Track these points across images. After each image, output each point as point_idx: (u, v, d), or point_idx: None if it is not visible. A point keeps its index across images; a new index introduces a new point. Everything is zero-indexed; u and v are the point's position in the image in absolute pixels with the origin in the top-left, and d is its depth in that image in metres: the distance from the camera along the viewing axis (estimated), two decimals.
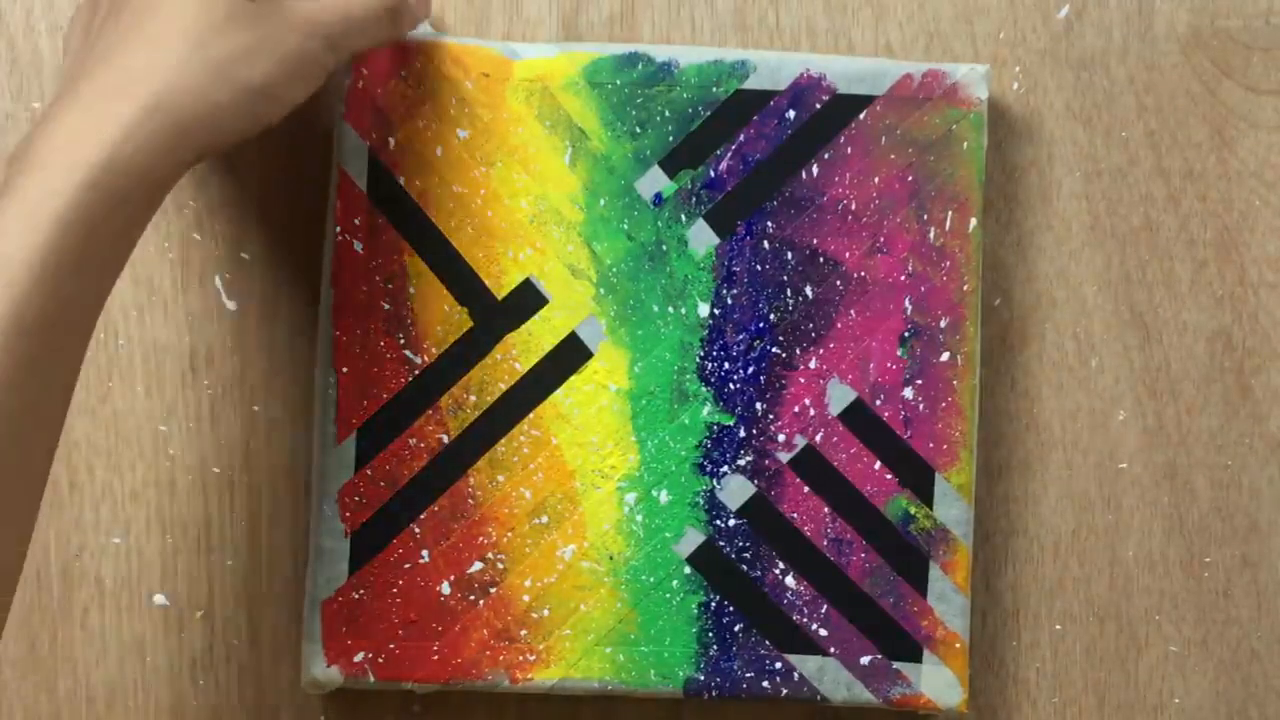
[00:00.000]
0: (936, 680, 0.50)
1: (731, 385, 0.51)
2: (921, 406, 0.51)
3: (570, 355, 0.51)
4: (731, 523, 0.51)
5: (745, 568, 0.50)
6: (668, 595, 0.50)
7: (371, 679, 0.50)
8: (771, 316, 0.51)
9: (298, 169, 0.53)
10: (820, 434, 0.51)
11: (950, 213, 0.51)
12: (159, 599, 0.52)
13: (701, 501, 0.51)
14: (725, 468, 0.51)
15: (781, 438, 0.51)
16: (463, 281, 0.51)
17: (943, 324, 0.51)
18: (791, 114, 0.51)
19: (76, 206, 0.39)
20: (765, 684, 0.50)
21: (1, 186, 0.39)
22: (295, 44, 0.44)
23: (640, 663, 0.50)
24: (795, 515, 0.51)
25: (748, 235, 0.51)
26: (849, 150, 0.51)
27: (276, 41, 0.44)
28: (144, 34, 0.42)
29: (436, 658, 0.50)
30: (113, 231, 0.40)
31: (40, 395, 0.39)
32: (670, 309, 0.51)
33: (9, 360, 0.38)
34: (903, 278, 0.51)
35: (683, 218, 0.51)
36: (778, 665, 0.50)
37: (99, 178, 0.39)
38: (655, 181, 0.51)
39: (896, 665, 0.50)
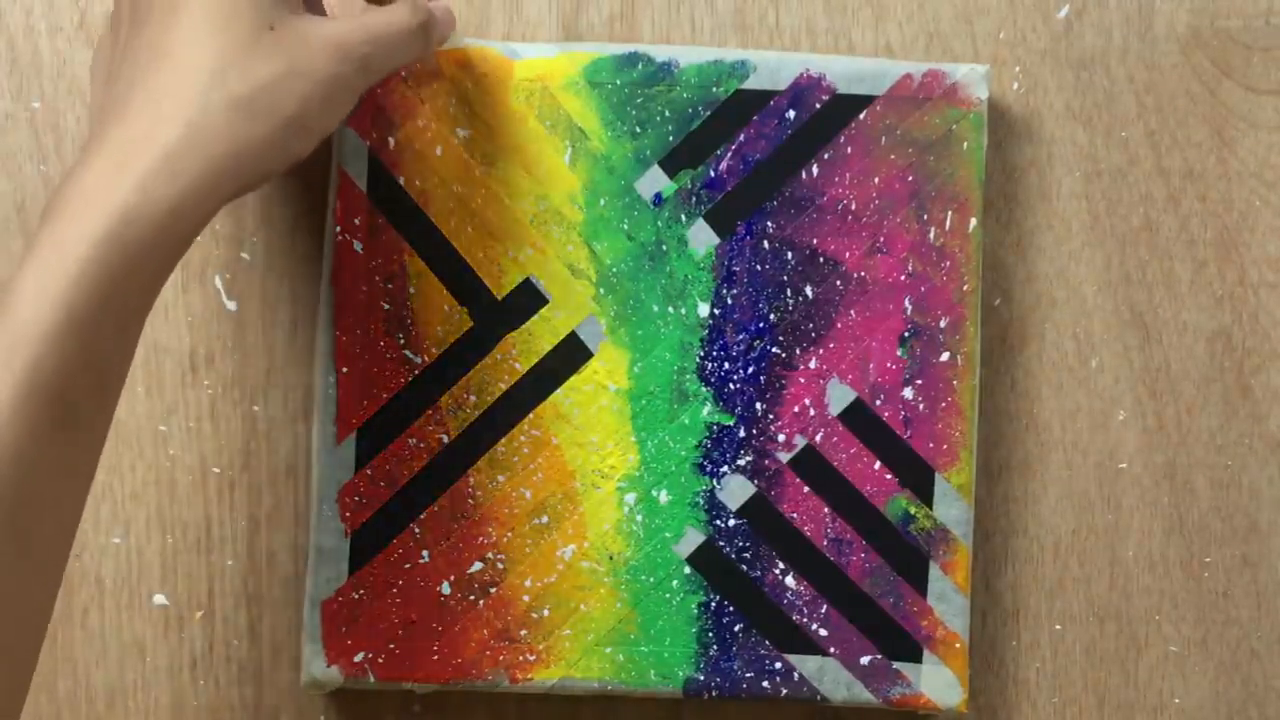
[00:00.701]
0: (936, 680, 0.50)
1: (731, 385, 0.51)
2: (921, 406, 0.51)
3: (570, 355, 0.51)
4: (731, 523, 0.51)
5: (745, 568, 0.50)
6: (668, 595, 0.50)
7: (371, 679, 0.50)
8: (771, 316, 0.51)
9: (298, 169, 0.53)
10: (820, 434, 0.51)
11: (950, 213, 0.51)
12: (159, 599, 0.52)
13: (701, 501, 0.51)
14: (725, 468, 0.51)
15: (781, 438, 0.51)
16: (463, 281, 0.51)
17: (943, 324, 0.51)
18: (791, 114, 0.51)
19: (95, 262, 0.37)
20: (765, 684, 0.50)
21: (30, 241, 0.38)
22: (324, 70, 0.42)
23: (640, 663, 0.50)
24: (795, 515, 0.51)
25: (748, 235, 0.51)
26: (849, 150, 0.51)
27: (304, 69, 0.41)
28: (164, 71, 0.40)
29: (436, 658, 0.50)
30: (135, 285, 0.38)
31: (61, 463, 0.37)
32: (670, 309, 0.51)
33: (26, 426, 0.36)
34: (903, 278, 0.51)
35: (683, 217, 0.51)
36: (778, 665, 0.50)
37: (118, 231, 0.37)
38: (655, 181, 0.51)
39: (896, 665, 0.50)
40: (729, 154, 0.51)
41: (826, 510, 0.51)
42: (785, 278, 0.51)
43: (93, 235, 0.37)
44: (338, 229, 0.50)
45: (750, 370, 0.51)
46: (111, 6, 0.45)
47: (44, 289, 0.36)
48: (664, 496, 0.51)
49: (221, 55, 0.40)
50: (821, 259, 0.51)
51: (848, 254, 0.51)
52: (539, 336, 0.51)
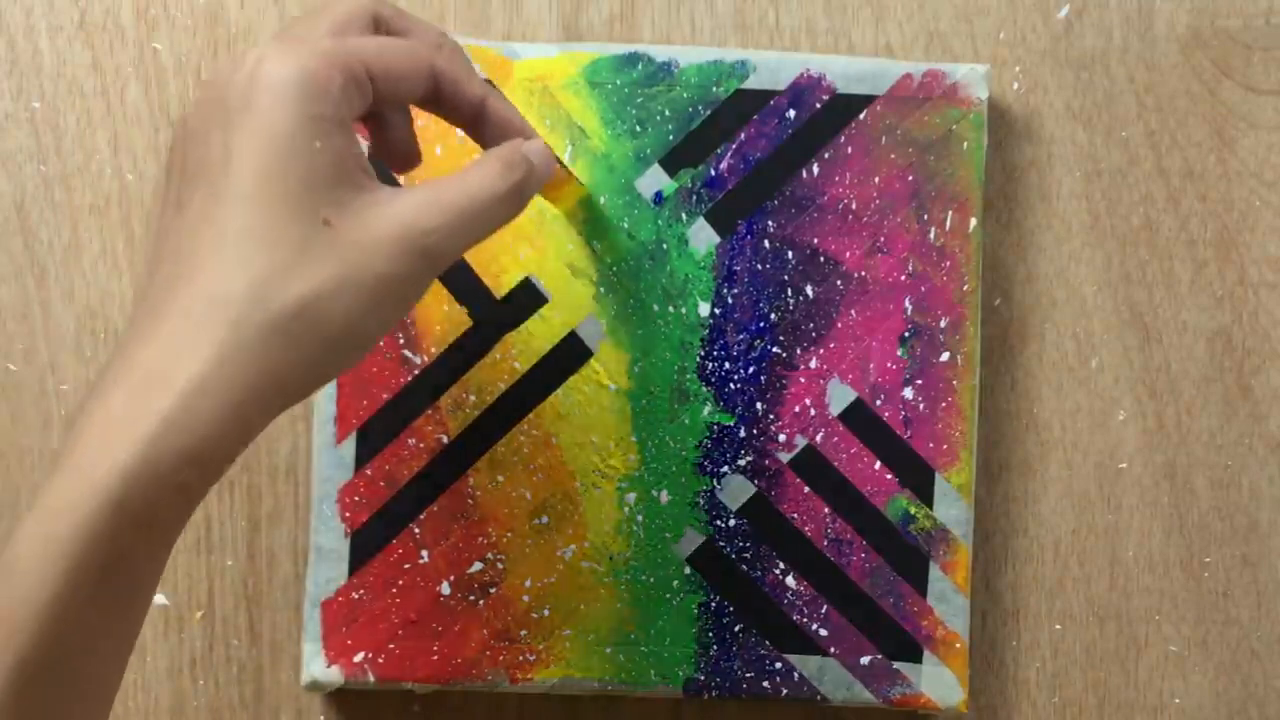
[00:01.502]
0: (936, 680, 0.50)
1: (732, 385, 0.51)
2: (921, 406, 0.51)
3: (570, 355, 0.51)
4: (731, 523, 0.51)
5: (745, 568, 0.50)
6: (668, 595, 0.50)
7: (371, 679, 0.50)
8: (772, 316, 0.51)
9: None
10: (820, 434, 0.51)
11: (950, 213, 0.51)
12: (159, 599, 0.52)
13: (701, 502, 0.51)
14: (725, 468, 0.51)
15: (782, 438, 0.51)
16: (462, 281, 0.51)
17: (943, 324, 0.51)
18: (792, 114, 0.51)
19: (99, 530, 0.32)
20: (765, 684, 0.50)
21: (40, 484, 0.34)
22: (385, 270, 0.36)
23: (640, 663, 0.50)
24: (795, 515, 0.51)
25: (748, 234, 0.51)
26: (849, 150, 0.51)
27: (360, 274, 0.35)
28: (198, 279, 0.34)
29: (436, 658, 0.50)
30: (146, 546, 0.34)
31: None
32: (670, 308, 0.51)
33: (18, 710, 0.32)
34: (903, 278, 0.51)
35: (683, 216, 0.51)
36: (778, 665, 0.50)
37: (125, 492, 0.33)
38: (655, 180, 0.51)
39: (896, 665, 0.50)
40: (729, 153, 0.51)
41: (827, 510, 0.51)
42: (786, 277, 0.51)
43: (97, 495, 0.32)
44: None
45: (751, 370, 0.51)
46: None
47: (43, 556, 0.32)
48: (664, 497, 0.51)
49: (264, 265, 0.34)
50: (822, 258, 0.51)
51: (848, 254, 0.51)
52: (539, 336, 0.51)
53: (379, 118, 0.41)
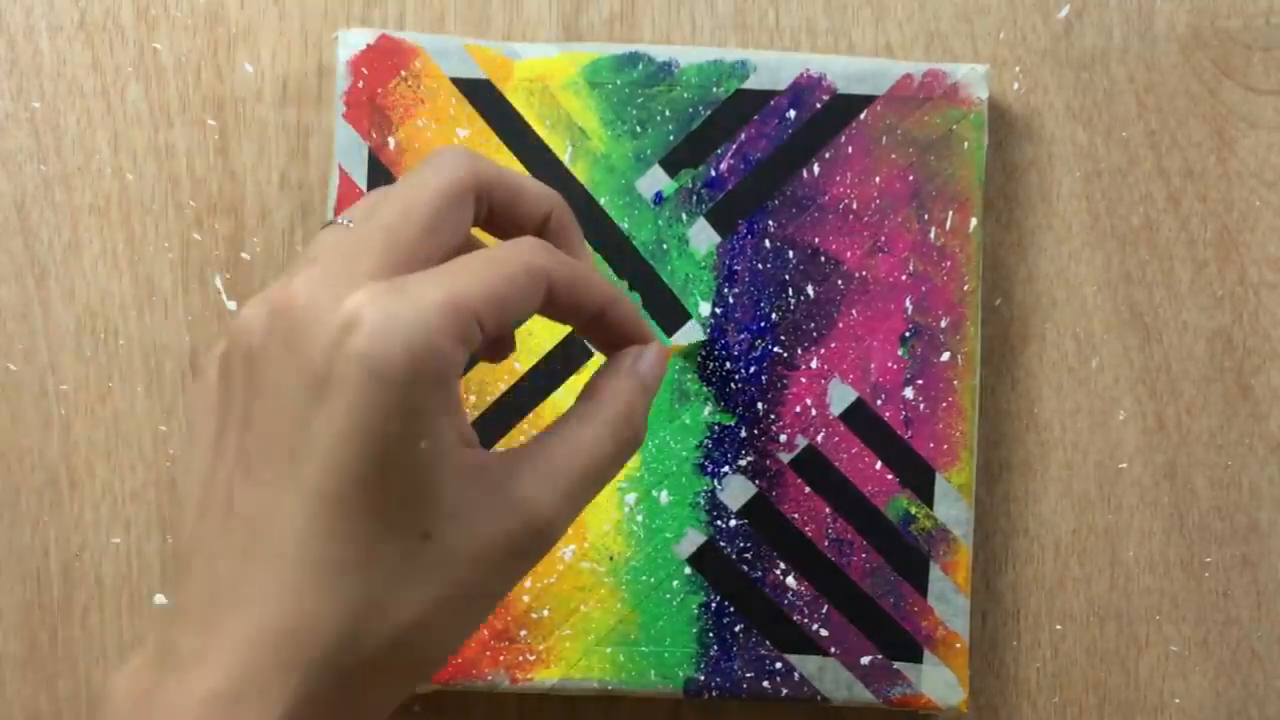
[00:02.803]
0: (936, 680, 0.50)
1: (732, 385, 0.51)
2: (922, 406, 0.51)
3: (570, 355, 0.51)
4: (732, 523, 0.51)
5: (746, 568, 0.50)
6: (668, 595, 0.50)
7: None
8: (773, 316, 0.51)
9: (298, 169, 0.53)
10: (821, 434, 0.51)
11: (951, 213, 0.51)
12: (159, 599, 0.52)
13: (702, 502, 0.51)
14: (726, 468, 0.51)
15: (783, 438, 0.51)
16: None
17: (943, 324, 0.51)
18: (792, 114, 0.51)
19: None
20: (765, 684, 0.50)
21: None
22: (492, 581, 0.30)
23: (640, 663, 0.50)
24: (796, 515, 0.51)
25: (749, 234, 0.51)
26: (849, 150, 0.51)
27: (463, 590, 0.30)
28: (275, 602, 0.28)
29: None
30: None
31: None
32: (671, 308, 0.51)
33: None
34: (903, 277, 0.51)
35: (683, 217, 0.51)
36: (778, 665, 0.50)
37: None
38: (656, 181, 0.51)
39: (897, 665, 0.50)
40: (730, 153, 0.51)
41: (827, 510, 0.51)
42: (786, 277, 0.51)
43: None
44: None
45: (751, 370, 0.51)
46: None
47: None
48: (664, 497, 0.51)
49: (354, 597, 0.28)
50: (823, 258, 0.51)
51: (849, 253, 0.51)
52: (539, 336, 0.51)
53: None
